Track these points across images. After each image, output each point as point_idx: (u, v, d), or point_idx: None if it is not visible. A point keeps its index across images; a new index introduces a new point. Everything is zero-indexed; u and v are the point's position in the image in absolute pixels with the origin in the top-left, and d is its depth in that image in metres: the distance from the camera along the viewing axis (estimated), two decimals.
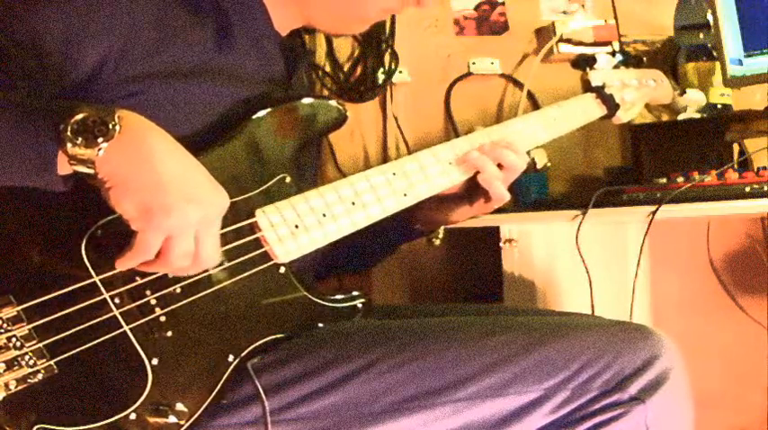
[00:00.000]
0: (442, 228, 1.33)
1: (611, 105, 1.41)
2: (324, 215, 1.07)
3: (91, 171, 0.84)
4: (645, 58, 1.98)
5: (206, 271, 0.98)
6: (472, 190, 1.23)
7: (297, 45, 1.26)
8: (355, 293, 1.13)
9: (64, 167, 0.85)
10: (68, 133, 0.82)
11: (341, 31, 1.25)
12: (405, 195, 1.14)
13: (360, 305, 1.13)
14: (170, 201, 0.85)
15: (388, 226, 1.19)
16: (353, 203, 1.09)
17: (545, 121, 1.31)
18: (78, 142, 0.82)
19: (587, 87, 1.42)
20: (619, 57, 1.92)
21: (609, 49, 2.00)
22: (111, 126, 0.83)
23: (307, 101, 1.12)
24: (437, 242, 1.33)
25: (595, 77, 1.42)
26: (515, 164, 1.20)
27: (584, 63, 1.86)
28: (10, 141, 0.84)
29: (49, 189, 0.87)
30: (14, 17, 0.96)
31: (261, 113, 1.07)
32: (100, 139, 0.83)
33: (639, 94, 1.47)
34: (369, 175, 1.12)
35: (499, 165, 1.20)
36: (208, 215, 0.90)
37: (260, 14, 1.15)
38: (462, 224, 1.35)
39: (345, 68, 1.96)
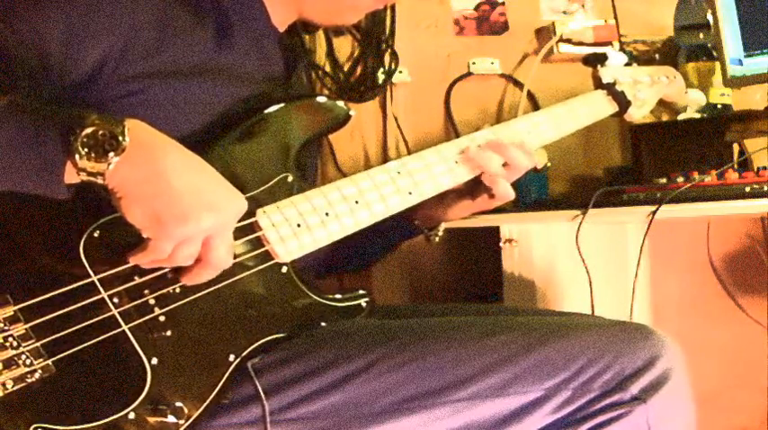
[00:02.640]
0: (442, 225, 1.32)
1: (623, 102, 1.41)
2: (327, 214, 1.07)
3: (100, 182, 0.85)
4: (657, 56, 1.97)
5: None
6: (475, 186, 1.23)
7: (296, 44, 1.26)
8: (361, 292, 1.13)
9: (70, 176, 0.85)
10: (78, 146, 0.83)
11: (333, 21, 1.24)
12: (410, 193, 1.14)
13: (364, 304, 1.13)
14: (183, 210, 0.86)
15: (388, 224, 1.19)
16: (357, 202, 1.09)
17: (553, 120, 1.30)
18: (89, 155, 0.83)
19: (598, 84, 1.41)
20: (632, 53, 1.90)
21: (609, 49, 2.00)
22: (120, 139, 0.84)
23: (309, 100, 1.12)
24: (436, 240, 1.33)
25: (606, 74, 1.41)
26: (521, 162, 1.20)
27: (594, 60, 1.84)
28: (18, 150, 0.84)
29: (53, 197, 0.87)
30: (16, 17, 0.96)
31: (265, 112, 1.07)
32: (111, 154, 0.83)
33: (652, 91, 1.46)
34: (372, 174, 1.11)
35: (504, 164, 1.20)
36: (223, 220, 0.91)
37: (259, 13, 1.15)
38: (462, 224, 1.35)
39: (345, 68, 1.95)
